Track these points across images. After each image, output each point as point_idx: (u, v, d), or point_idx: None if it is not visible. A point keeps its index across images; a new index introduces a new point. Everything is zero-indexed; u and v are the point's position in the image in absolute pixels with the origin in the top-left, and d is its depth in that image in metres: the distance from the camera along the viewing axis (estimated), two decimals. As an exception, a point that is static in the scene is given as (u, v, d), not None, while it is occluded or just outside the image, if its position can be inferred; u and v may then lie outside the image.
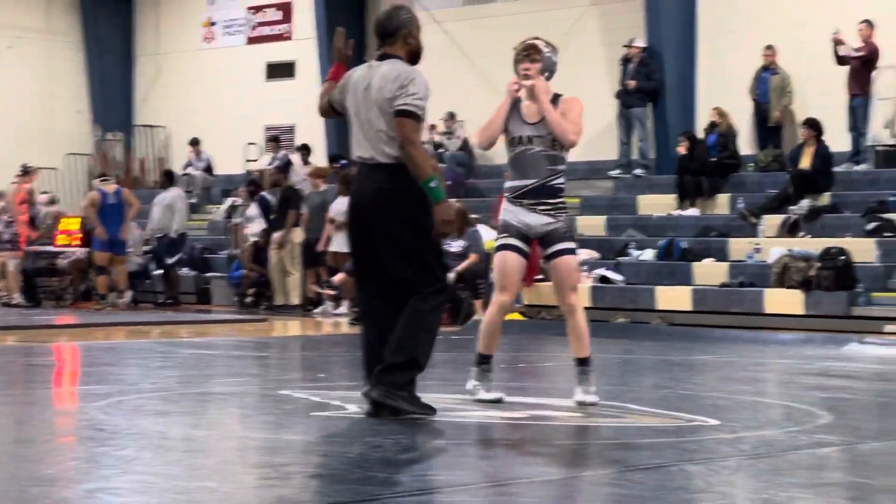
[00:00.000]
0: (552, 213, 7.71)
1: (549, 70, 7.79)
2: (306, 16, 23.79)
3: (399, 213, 6.96)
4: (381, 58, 7.13)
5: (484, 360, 7.97)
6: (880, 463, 5.98)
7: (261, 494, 5.10)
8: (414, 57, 7.15)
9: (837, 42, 17.61)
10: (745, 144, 19.18)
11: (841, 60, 17.72)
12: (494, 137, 7.74)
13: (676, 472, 5.56)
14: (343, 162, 20.84)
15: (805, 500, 5.01)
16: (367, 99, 7.02)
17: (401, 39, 7.13)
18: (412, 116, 6.90)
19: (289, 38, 24.65)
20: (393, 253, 7.00)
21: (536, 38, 7.85)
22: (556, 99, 7.78)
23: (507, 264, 7.76)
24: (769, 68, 18.61)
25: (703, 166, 18.26)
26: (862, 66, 17.65)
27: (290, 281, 18.74)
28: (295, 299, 18.75)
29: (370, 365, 7.08)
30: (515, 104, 7.78)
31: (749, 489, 5.35)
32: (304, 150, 20.97)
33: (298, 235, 18.63)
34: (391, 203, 6.95)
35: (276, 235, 18.81)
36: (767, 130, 18.77)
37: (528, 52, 7.76)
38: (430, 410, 7.07)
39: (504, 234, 7.74)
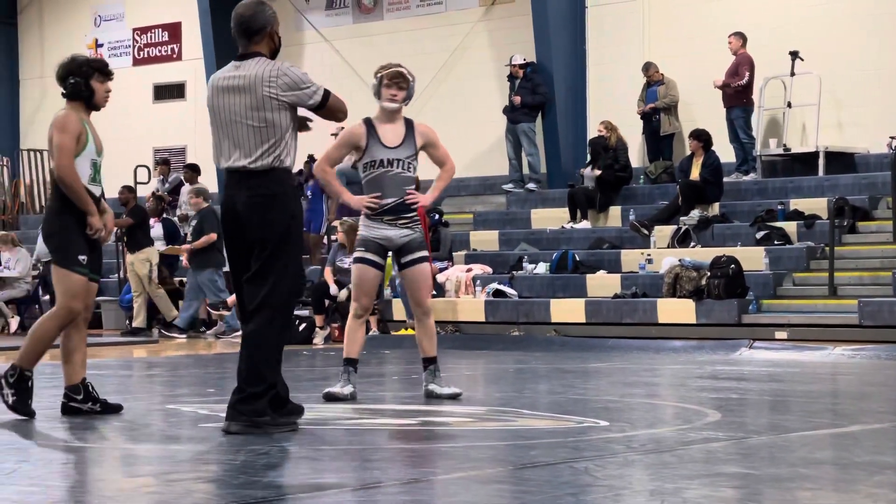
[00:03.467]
0: (409, 226, 8.41)
1: (410, 97, 8.50)
2: (194, 36, 23.60)
3: (271, 219, 6.77)
4: (245, 56, 6.91)
5: (348, 363, 8.55)
6: (765, 455, 6.02)
7: (140, 501, 4.99)
8: (275, 54, 6.99)
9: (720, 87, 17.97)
10: (636, 157, 19.35)
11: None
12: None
13: (564, 469, 5.55)
14: None
15: (691, 489, 5.02)
16: (241, 101, 6.80)
17: (267, 37, 6.93)
18: (327, 97, 6.86)
19: (178, 59, 24.43)
20: (261, 257, 6.78)
21: (399, 66, 8.49)
22: (410, 124, 8.49)
23: (364, 276, 8.42)
24: (654, 83, 18.79)
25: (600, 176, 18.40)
26: (733, 78, 17.92)
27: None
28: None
29: None
30: (371, 128, 8.39)
31: (636, 482, 5.34)
32: (192, 169, 20.73)
33: None
34: (264, 209, 6.77)
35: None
36: (658, 142, 18.93)
37: (397, 80, 8.40)
38: (294, 423, 6.91)
39: (361, 249, 8.41)
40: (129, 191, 19.11)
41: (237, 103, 6.82)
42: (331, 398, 8.39)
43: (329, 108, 6.91)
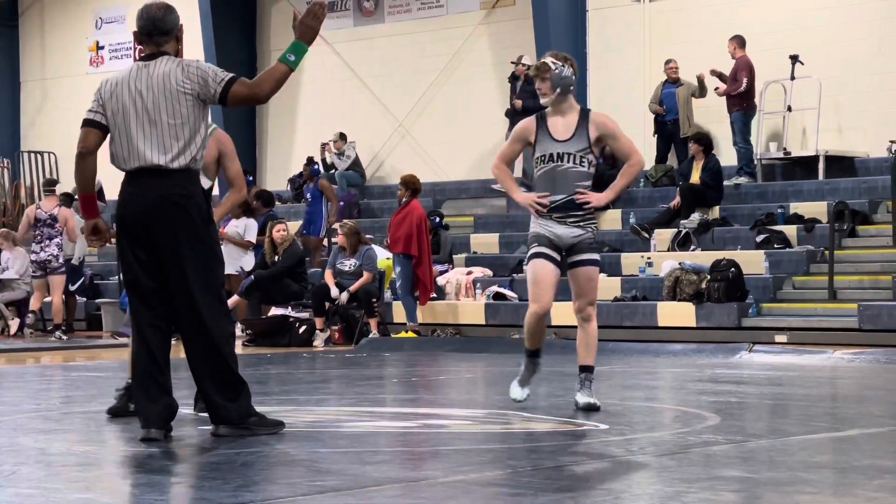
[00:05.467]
0: (580, 224, 7.89)
1: (561, 85, 7.89)
2: (195, 39, 23.58)
3: (187, 224, 6.61)
4: (152, 56, 6.76)
5: (532, 354, 8.29)
6: (765, 459, 6.02)
7: (139, 503, 4.99)
8: (177, 54, 6.89)
9: (717, 75, 17.92)
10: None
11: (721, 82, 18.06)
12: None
13: (563, 472, 5.55)
14: (249, 179, 20.95)
15: (691, 493, 5.02)
16: (154, 99, 6.62)
17: (174, 38, 6.84)
18: (237, 78, 6.67)
19: (178, 61, 24.42)
20: (183, 268, 6.61)
21: (547, 56, 8.03)
22: (585, 114, 7.99)
23: (541, 273, 7.88)
24: (673, 82, 18.72)
25: (599, 178, 18.39)
26: (733, 85, 17.94)
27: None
28: None
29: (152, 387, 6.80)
30: (542, 122, 7.94)
31: (636, 485, 5.35)
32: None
33: None
34: (178, 212, 6.59)
35: None
36: (679, 143, 18.80)
37: (539, 73, 7.93)
38: (280, 425, 6.91)
39: (535, 244, 7.91)
40: None
41: (150, 102, 6.65)
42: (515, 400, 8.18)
43: (243, 85, 6.65)
